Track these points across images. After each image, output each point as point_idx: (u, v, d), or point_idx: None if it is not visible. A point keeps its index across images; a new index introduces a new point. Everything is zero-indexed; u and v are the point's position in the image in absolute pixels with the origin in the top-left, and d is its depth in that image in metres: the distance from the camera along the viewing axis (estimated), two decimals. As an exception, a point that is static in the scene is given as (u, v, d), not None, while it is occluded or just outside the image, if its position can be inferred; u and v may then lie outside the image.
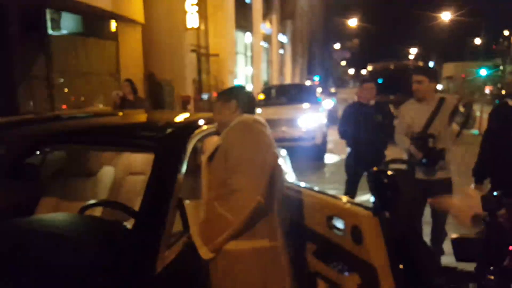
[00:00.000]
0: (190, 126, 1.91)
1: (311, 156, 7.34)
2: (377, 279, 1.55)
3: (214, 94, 13.05)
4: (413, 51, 55.20)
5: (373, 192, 1.62)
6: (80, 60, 8.00)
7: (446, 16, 34.70)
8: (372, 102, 3.96)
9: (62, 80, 7.49)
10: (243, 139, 1.58)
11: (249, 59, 17.62)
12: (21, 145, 2.08)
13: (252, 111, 1.75)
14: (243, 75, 16.81)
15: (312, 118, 7.80)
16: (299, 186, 2.08)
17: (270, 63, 21.80)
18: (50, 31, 7.12)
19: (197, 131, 1.84)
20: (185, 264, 1.51)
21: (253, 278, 1.52)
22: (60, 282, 1.16)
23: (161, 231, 1.39)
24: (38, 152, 2.55)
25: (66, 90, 7.47)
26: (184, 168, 1.61)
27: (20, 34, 6.56)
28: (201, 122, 1.96)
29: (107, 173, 2.54)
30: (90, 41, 8.27)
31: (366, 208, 1.66)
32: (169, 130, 1.83)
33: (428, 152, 2.80)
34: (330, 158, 8.01)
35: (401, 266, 1.55)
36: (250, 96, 1.85)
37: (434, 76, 3.10)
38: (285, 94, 9.42)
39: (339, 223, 1.78)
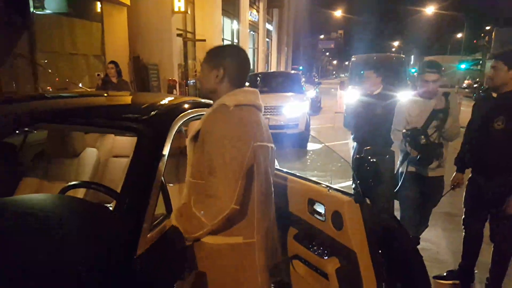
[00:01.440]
0: (174, 109, 1.84)
1: (294, 144, 7.52)
2: (356, 264, 1.59)
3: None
4: (396, 44, 55.83)
5: (355, 178, 1.66)
6: (65, 41, 7.86)
7: (429, 10, 35.27)
8: (377, 91, 3.64)
9: (46, 60, 7.37)
10: (220, 131, 1.43)
11: (235, 46, 17.57)
12: (1, 124, 1.97)
13: (242, 83, 1.59)
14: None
15: (296, 107, 7.94)
16: (281, 171, 2.09)
17: (256, 51, 21.77)
18: (33, 10, 6.96)
19: (181, 114, 1.79)
20: (167, 246, 1.49)
21: (227, 273, 1.53)
22: (32, 263, 1.10)
23: (142, 214, 1.37)
24: (18, 132, 2.46)
25: (50, 70, 7.35)
26: (167, 151, 1.58)
27: (3, 12, 6.41)
28: (186, 105, 1.91)
29: (90, 154, 2.51)
30: (74, 22, 8.12)
31: (347, 194, 1.69)
32: (153, 113, 1.73)
33: (421, 149, 2.72)
34: (312, 146, 8.21)
35: (379, 252, 1.60)
36: (242, 65, 1.60)
37: None
38: (270, 82, 9.48)
39: (320, 209, 1.81)
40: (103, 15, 8.79)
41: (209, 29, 13.10)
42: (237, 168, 1.40)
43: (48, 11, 7.43)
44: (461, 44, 40.01)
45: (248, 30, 18.92)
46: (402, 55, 14.65)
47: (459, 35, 42.74)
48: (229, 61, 1.55)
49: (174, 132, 1.68)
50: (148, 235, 1.38)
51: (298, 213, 1.91)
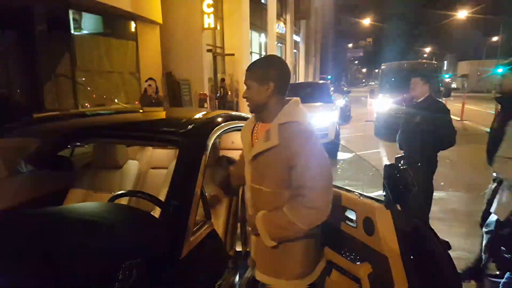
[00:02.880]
0: (211, 123, 1.99)
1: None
2: (388, 268, 1.61)
3: (229, 93, 13.31)
4: (428, 50, 54.38)
5: (386, 185, 1.68)
6: (102, 59, 8.30)
7: (462, 14, 34.24)
8: (420, 99, 3.50)
9: (84, 78, 7.80)
10: (309, 150, 1.49)
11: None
12: (56, 139, 2.18)
13: (286, 91, 1.64)
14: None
15: (325, 116, 7.94)
16: None
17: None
18: (73, 31, 7.42)
19: (217, 127, 1.95)
20: (208, 249, 1.62)
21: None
22: (94, 267, 1.22)
23: (185, 220, 1.48)
24: (69, 146, 2.72)
25: (88, 88, 7.77)
26: (205, 162, 1.71)
27: (45, 34, 6.87)
28: (220, 119, 2.07)
29: (132, 166, 2.66)
30: (111, 41, 8.56)
31: (378, 201, 1.72)
32: (192, 126, 1.89)
33: None
34: (343, 155, 8.15)
35: (411, 257, 1.60)
36: (287, 74, 1.63)
37: None
38: (299, 93, 9.53)
39: (351, 215, 1.85)
40: (137, 33, 9.21)
41: (238, 43, 13.39)
42: (331, 181, 1.53)
43: (86, 32, 7.90)
44: (497, 48, 38.50)
45: (276, 42, 19.14)
46: (434, 62, 14.30)
47: (495, 39, 41.12)
48: (277, 73, 1.58)
49: (211, 144, 1.82)
50: (191, 239, 1.50)
51: (330, 219, 1.95)
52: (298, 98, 1.66)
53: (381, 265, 1.64)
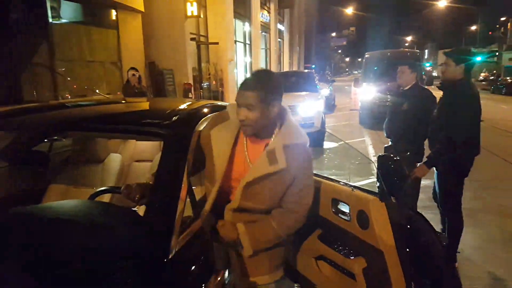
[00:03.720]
0: (196, 114, 1.88)
1: (310, 142, 7.50)
2: (383, 263, 1.57)
3: (213, 83, 13.16)
4: (409, 39, 54.97)
5: (380, 177, 1.64)
6: (82, 49, 8.05)
7: (442, 3, 34.68)
8: (408, 87, 3.46)
9: (64, 68, 7.56)
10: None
11: (247, 48, 17.65)
12: (32, 133, 2.05)
13: None
14: (242, 63, 16.85)
15: (311, 105, 7.94)
16: None
17: (268, 51, 21.80)
18: (51, 20, 7.15)
19: (203, 119, 1.83)
20: (196, 249, 1.52)
21: None
22: (76, 267, 1.16)
23: (173, 216, 1.38)
24: (47, 140, 2.56)
25: (68, 78, 7.54)
26: (191, 155, 1.60)
27: (22, 22, 6.60)
28: (206, 109, 1.96)
29: (114, 160, 2.56)
30: (91, 30, 8.30)
31: (372, 193, 1.67)
32: (176, 117, 1.77)
33: None
34: (328, 144, 8.19)
35: (407, 250, 1.57)
36: (282, 86, 1.55)
37: None
38: (284, 82, 9.44)
39: (344, 208, 1.80)
40: (119, 22, 8.95)
41: (222, 31, 13.19)
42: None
43: (64, 20, 7.62)
44: (476, 36, 39.17)
45: (260, 31, 18.97)
46: (416, 50, 14.44)
47: (474, 27, 41.84)
48: (279, 90, 1.50)
49: (196, 138, 1.72)
50: (178, 239, 1.40)
51: (322, 214, 1.92)
52: (288, 109, 1.61)
53: (376, 259, 1.61)
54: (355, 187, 1.77)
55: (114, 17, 8.92)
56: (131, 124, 1.82)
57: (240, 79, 16.25)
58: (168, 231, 1.36)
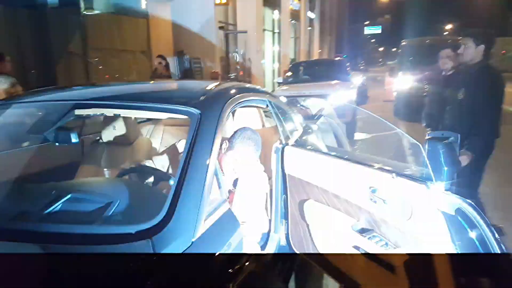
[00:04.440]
0: (226, 93, 1.86)
1: (340, 134, 7.27)
2: (428, 256, 1.44)
3: (241, 73, 13.05)
4: (449, 28, 52.43)
5: (428, 162, 1.48)
6: (113, 37, 8.16)
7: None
8: (449, 72, 3.23)
9: (96, 56, 7.68)
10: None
11: (276, 37, 17.36)
12: (61, 110, 2.05)
13: None
14: (271, 53, 16.61)
15: (342, 95, 7.68)
16: (338, 156, 1.97)
17: (298, 40, 21.39)
18: (83, 9, 7.28)
19: (232, 98, 1.81)
20: (221, 232, 1.47)
21: None
22: (101, 245, 1.18)
23: (199, 197, 1.35)
24: (76, 117, 2.66)
25: (100, 67, 7.67)
26: (220, 135, 1.57)
27: (57, 12, 6.75)
28: (234, 90, 1.94)
29: (144, 142, 2.60)
30: (122, 19, 8.38)
31: (416, 180, 1.52)
32: (206, 96, 1.76)
33: None
34: (360, 136, 7.93)
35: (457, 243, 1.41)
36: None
37: None
38: (314, 70, 9.25)
39: (383, 196, 1.65)
40: (148, 11, 8.99)
41: (250, 20, 13.02)
42: None
43: (96, 9, 7.73)
44: (521, 24, 36.72)
45: (290, 20, 18.61)
46: (458, 37, 13.65)
47: (520, 14, 39.23)
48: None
49: (226, 115, 1.69)
50: (204, 221, 1.34)
51: (357, 202, 1.78)
52: None
53: (419, 252, 1.48)
54: (397, 173, 1.60)
55: (144, 6, 8.96)
56: (161, 102, 1.80)
57: (268, 69, 16.05)
58: (193, 212, 1.31)
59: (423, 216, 1.46)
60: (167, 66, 6.05)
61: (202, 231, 1.31)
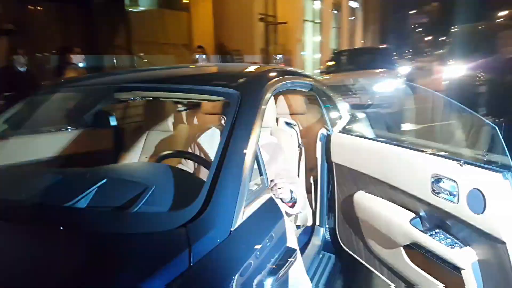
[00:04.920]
0: (266, 76, 1.74)
1: (388, 125, 6.94)
2: (503, 257, 1.27)
3: (282, 65, 12.87)
4: (503, 14, 48.77)
5: (505, 147, 1.35)
6: (156, 31, 8.32)
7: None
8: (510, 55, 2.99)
9: (140, 50, 7.87)
10: None
11: (317, 27, 16.96)
12: (98, 93, 2.07)
13: None
14: (311, 43, 16.26)
15: (388, 84, 7.30)
16: (393, 142, 1.81)
17: (340, 30, 20.81)
18: (128, 2, 7.47)
19: (272, 81, 1.68)
20: (262, 223, 1.35)
21: None
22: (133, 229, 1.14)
23: (237, 184, 1.24)
24: (114, 101, 2.62)
25: (145, 60, 7.85)
26: (261, 118, 1.45)
27: (102, 7, 6.98)
28: (275, 73, 1.81)
29: (183, 130, 2.58)
30: (164, 12, 8.52)
31: (492, 168, 1.33)
32: (245, 78, 1.68)
33: None
34: (407, 127, 7.53)
35: None
36: None
37: None
38: (358, 59, 8.90)
39: (449, 187, 1.46)
40: (190, 4, 9.07)
41: (291, 11, 12.81)
42: None
43: (141, 8, 7.91)
44: None
45: (331, 9, 18.12)
46: (514, 22, 12.61)
47: None
48: None
49: (267, 98, 1.55)
50: (243, 208, 1.23)
51: (417, 193, 1.60)
52: None
53: (492, 252, 1.29)
54: (465, 161, 1.42)
55: (186, 0, 9.05)
56: (199, 83, 1.73)
57: (309, 60, 15.74)
58: (231, 200, 1.20)
59: (499, 211, 1.27)
60: (205, 57, 6.08)
61: (241, 221, 1.19)
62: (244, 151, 1.31)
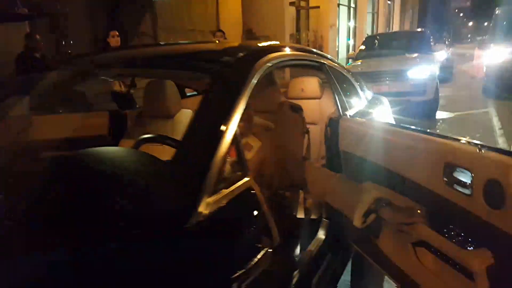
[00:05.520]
0: (260, 51, 1.53)
1: (420, 113, 6.56)
2: None
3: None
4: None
5: None
6: (183, 18, 8.28)
7: None
8: None
9: (166, 36, 7.87)
10: None
11: (352, 12, 16.35)
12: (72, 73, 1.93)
13: None
14: (345, 29, 15.71)
15: (423, 69, 6.85)
16: (404, 128, 1.61)
17: (376, 15, 19.99)
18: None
19: (266, 57, 1.45)
20: (235, 214, 1.15)
21: None
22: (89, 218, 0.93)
23: (203, 172, 1.05)
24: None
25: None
26: (245, 98, 1.25)
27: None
28: (273, 47, 1.60)
29: (185, 115, 2.46)
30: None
31: (507, 154, 1.14)
32: (234, 53, 1.50)
33: None
34: (442, 115, 7.10)
35: None
36: None
37: None
38: (391, 43, 8.45)
39: (464, 178, 1.28)
40: (217, -11, 8.97)
41: (323, -6, 12.37)
42: None
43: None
44: None
45: (367, -7, 17.40)
46: None
47: None
48: None
49: (256, 77, 1.35)
50: (211, 198, 1.04)
51: (427, 184, 1.40)
52: None
53: (511, 254, 1.11)
54: (483, 146, 1.21)
55: (213, -15, 8.95)
56: (180, 58, 1.64)
57: (342, 47, 15.23)
58: (194, 187, 1.02)
59: None
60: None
61: (203, 215, 1.00)
62: (215, 133, 1.14)
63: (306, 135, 2.31)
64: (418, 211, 1.40)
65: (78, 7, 6.49)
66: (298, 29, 11.46)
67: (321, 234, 1.89)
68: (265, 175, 2.01)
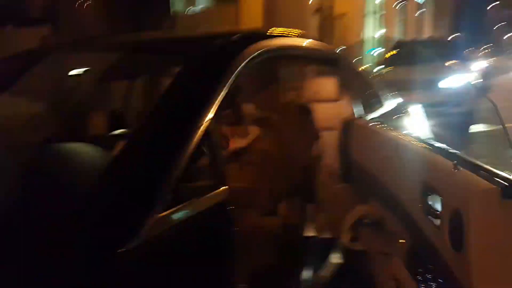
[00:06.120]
0: (252, 36, 1.40)
1: (454, 125, 6.08)
2: None
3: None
4: None
5: None
6: (200, 25, 8.24)
7: None
8: None
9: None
10: None
11: (380, 20, 15.89)
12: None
13: None
14: (372, 38, 15.27)
15: (457, 80, 6.37)
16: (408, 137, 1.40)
17: (406, 23, 19.42)
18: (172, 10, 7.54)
19: (255, 44, 1.28)
20: (196, 236, 0.96)
21: None
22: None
23: (158, 175, 0.89)
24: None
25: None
26: (221, 96, 1.07)
27: (149, 13, 7.04)
28: (275, 34, 1.50)
29: None
30: (210, 7, 8.40)
31: (486, 176, 0.84)
32: (220, 38, 1.41)
33: None
34: (478, 127, 6.58)
35: None
36: None
37: None
38: (423, 51, 8.06)
39: (438, 204, 1.02)
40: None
41: (350, 2, 12.05)
42: None
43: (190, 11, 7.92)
44: None
45: (397, 0, 16.95)
46: None
47: None
48: None
49: (241, 69, 1.17)
50: (164, 214, 0.83)
51: (408, 209, 1.14)
52: None
53: None
54: (465, 159, 0.93)
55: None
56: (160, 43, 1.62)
57: (369, 56, 14.81)
58: (141, 198, 0.84)
59: (482, 248, 0.79)
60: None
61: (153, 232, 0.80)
62: (179, 134, 0.95)
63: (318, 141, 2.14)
64: (400, 241, 1.18)
65: (96, 13, 6.57)
66: (323, 38, 11.14)
67: (335, 258, 1.78)
68: (264, 175, 1.85)
